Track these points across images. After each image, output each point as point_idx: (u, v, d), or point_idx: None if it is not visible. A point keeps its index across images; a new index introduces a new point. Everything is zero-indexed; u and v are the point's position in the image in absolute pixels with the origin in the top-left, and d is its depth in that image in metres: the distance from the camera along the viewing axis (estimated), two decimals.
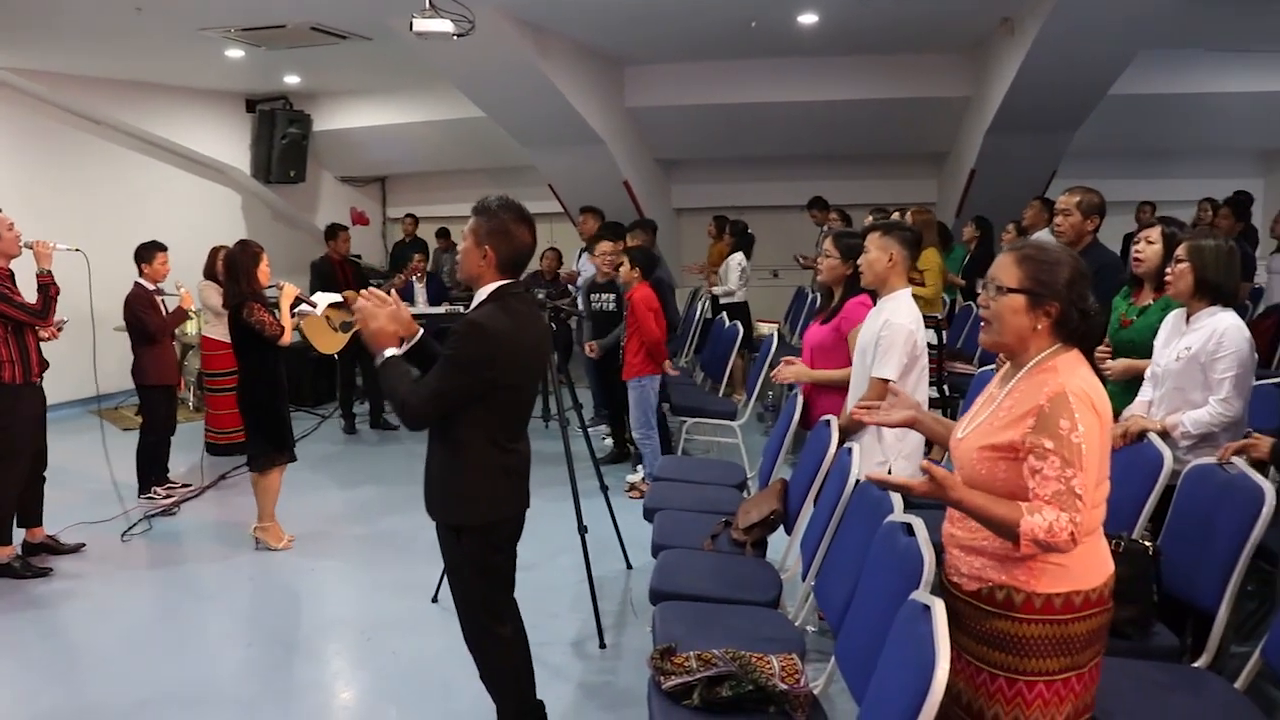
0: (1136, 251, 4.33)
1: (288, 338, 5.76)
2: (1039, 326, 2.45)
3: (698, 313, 9.79)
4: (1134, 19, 7.47)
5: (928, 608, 2.18)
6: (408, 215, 12.68)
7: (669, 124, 10.90)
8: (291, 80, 11.14)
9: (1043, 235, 7.21)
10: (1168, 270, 3.91)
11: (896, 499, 3.08)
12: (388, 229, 14.64)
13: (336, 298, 6.65)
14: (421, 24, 6.30)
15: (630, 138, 10.90)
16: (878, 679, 2.38)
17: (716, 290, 9.67)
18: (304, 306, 6.10)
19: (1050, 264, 2.44)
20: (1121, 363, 4.21)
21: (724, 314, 8.73)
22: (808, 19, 8.61)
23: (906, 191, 11.42)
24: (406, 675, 4.42)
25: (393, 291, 3.54)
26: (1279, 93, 10.44)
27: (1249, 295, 8.37)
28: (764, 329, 9.27)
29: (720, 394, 7.94)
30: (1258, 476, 3.24)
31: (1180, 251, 3.84)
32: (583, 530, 4.76)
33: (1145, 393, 4.02)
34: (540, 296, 5.00)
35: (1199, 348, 3.73)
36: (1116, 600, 3.11)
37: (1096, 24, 7.52)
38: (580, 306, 8.03)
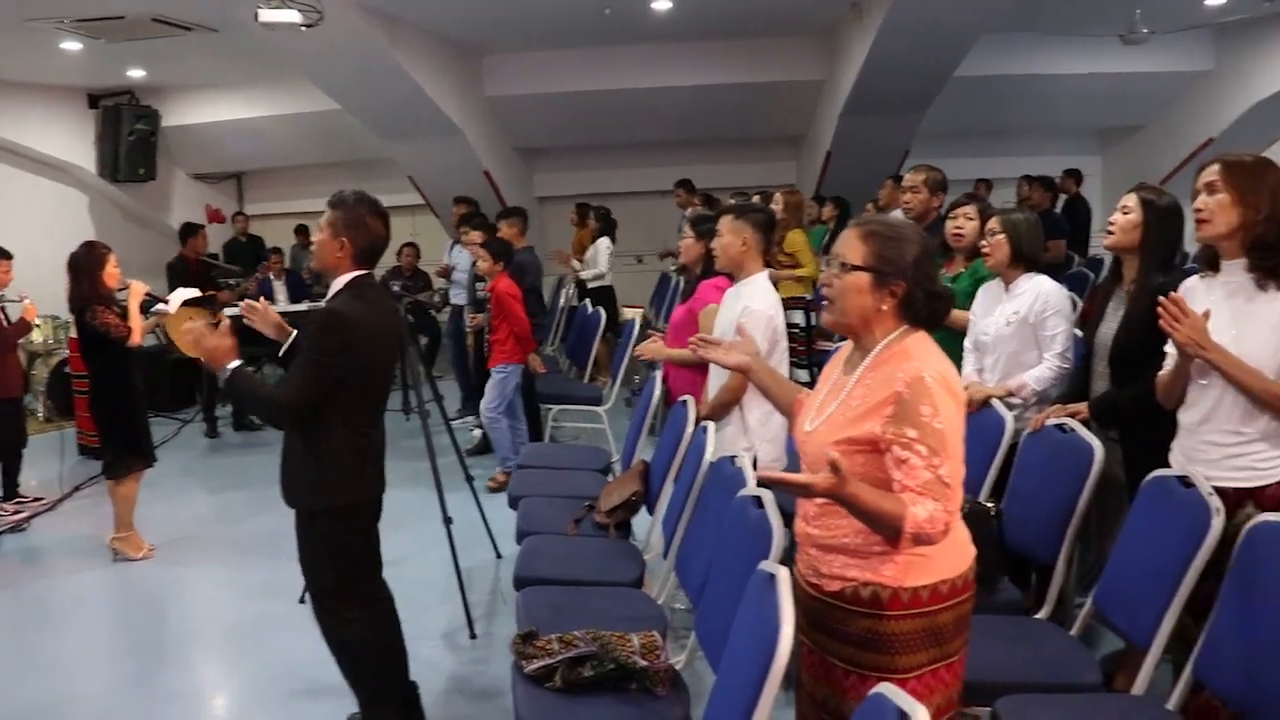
0: (957, 228, 4.58)
1: (137, 338, 5.58)
2: (884, 307, 2.34)
3: (562, 300, 9.81)
4: (973, 3, 7.76)
5: (773, 576, 2.23)
6: (237, 214, 12.42)
7: (528, 112, 10.90)
8: (136, 74, 10.78)
9: (896, 213, 7.43)
10: (983, 242, 4.12)
11: (749, 473, 3.16)
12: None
13: (194, 293, 6.45)
14: (267, 14, 6.18)
15: (490, 127, 10.87)
16: (730, 649, 2.44)
17: (585, 274, 9.71)
18: (159, 306, 5.90)
19: (897, 240, 2.33)
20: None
21: (587, 300, 8.77)
22: (661, 5, 8.71)
23: (766, 174, 11.63)
24: (276, 678, 4.35)
25: (249, 300, 3.60)
26: (1112, 74, 11.00)
27: (1089, 265, 8.77)
28: (629, 314, 9.34)
29: (585, 379, 7.98)
30: (1088, 435, 3.43)
31: (994, 224, 4.07)
32: (447, 521, 4.74)
33: (971, 363, 4.23)
34: (396, 289, 4.96)
35: (1026, 310, 3.95)
36: None
37: (938, 8, 7.81)
38: (464, 298, 8.04)
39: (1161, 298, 2.90)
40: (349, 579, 3.52)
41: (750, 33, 10.03)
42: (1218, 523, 2.69)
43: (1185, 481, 2.88)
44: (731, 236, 4.05)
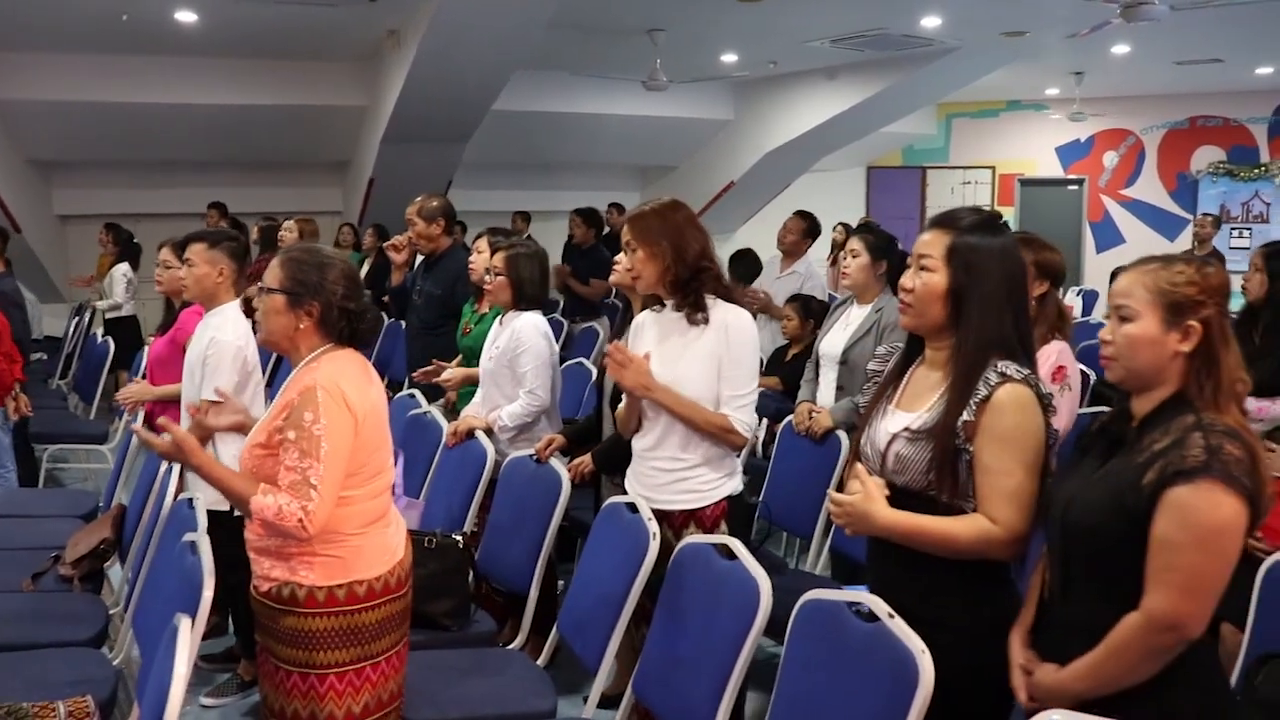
0: (471, 263, 4.59)
1: None
2: (302, 325, 2.55)
3: (72, 329, 8.91)
4: (503, 40, 7.95)
5: (177, 629, 2.13)
6: None
7: (41, 121, 9.81)
8: None
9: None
10: (487, 279, 4.15)
11: (201, 517, 2.99)
12: None
13: None
14: None
15: None
16: (144, 706, 2.29)
17: (101, 305, 8.86)
18: None
19: (315, 265, 2.57)
20: (459, 372, 4.43)
21: (98, 330, 8.04)
22: (186, 16, 8.21)
23: (311, 200, 11.24)
24: None
25: None
26: (646, 117, 11.80)
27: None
28: None
29: (93, 415, 7.32)
30: (559, 465, 3.55)
31: (498, 263, 4.06)
32: None
33: (476, 397, 4.25)
34: None
35: (505, 346, 4.00)
36: (433, 595, 3.26)
37: (470, 42, 7.92)
38: None
39: (608, 346, 3.10)
40: None
41: (288, 54, 9.66)
42: (654, 545, 2.84)
43: (632, 507, 3.03)
44: (208, 267, 3.80)
